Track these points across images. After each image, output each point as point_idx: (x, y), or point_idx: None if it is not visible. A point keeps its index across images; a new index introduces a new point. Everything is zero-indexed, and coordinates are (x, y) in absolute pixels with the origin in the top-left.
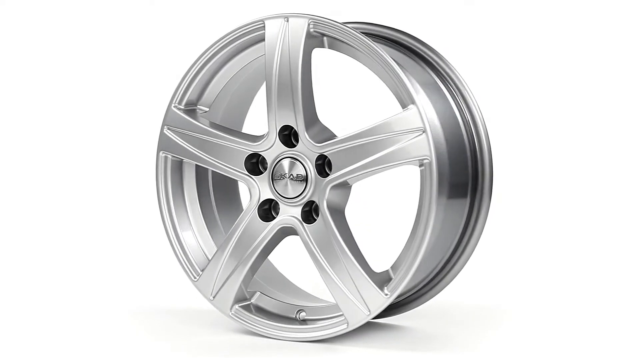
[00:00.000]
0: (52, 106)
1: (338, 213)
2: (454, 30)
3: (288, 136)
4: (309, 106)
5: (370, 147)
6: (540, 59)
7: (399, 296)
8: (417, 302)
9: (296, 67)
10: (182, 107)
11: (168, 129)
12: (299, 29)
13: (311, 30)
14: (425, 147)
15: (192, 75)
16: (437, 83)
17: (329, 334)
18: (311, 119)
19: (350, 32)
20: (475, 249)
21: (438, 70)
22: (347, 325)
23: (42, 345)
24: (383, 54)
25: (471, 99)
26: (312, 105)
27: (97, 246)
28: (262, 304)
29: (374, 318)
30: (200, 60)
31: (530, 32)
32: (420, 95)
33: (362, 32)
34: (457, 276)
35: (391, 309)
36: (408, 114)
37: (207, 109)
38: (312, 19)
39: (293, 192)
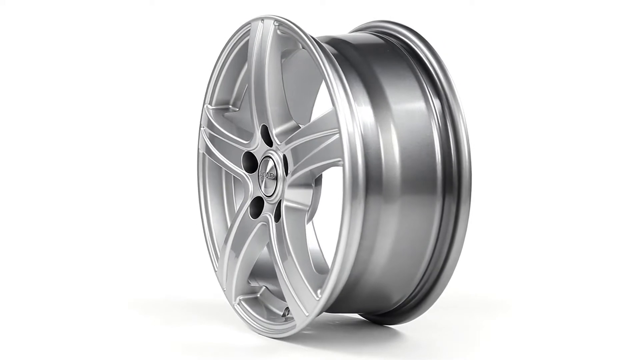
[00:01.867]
0: (70, 108)
1: (296, 212)
2: (459, 28)
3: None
4: (278, 105)
5: (305, 147)
6: (540, 59)
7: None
8: (416, 311)
9: (265, 66)
10: (213, 107)
11: (202, 127)
12: (268, 30)
13: (277, 31)
14: (338, 149)
15: (215, 76)
16: (417, 81)
17: (279, 331)
18: (281, 117)
19: (300, 33)
20: (463, 253)
21: (427, 67)
22: (296, 326)
23: (53, 334)
24: (317, 55)
25: (453, 99)
26: (282, 104)
27: (134, 239)
28: (264, 298)
29: (380, 323)
30: (218, 62)
31: (533, 32)
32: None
33: (365, 29)
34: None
35: (390, 317)
36: (328, 115)
37: (237, 109)
38: (277, 20)
39: (269, 190)
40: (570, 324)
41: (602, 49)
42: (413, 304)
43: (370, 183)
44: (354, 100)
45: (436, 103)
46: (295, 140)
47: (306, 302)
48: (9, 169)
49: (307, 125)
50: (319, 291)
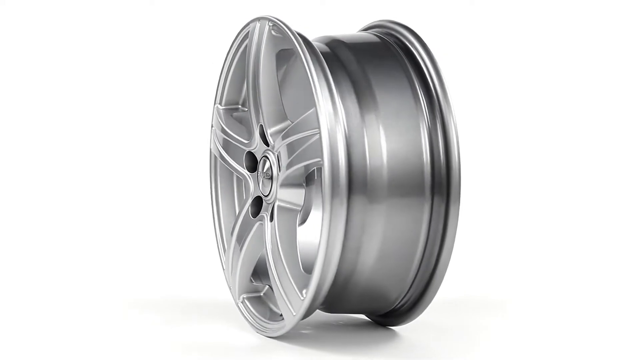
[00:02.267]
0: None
1: (288, 212)
2: (460, 29)
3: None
4: (272, 105)
5: (291, 147)
6: (538, 62)
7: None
8: (413, 313)
9: (259, 67)
10: (223, 107)
11: (213, 127)
12: (263, 31)
13: (272, 31)
14: (318, 149)
15: (223, 76)
16: (408, 82)
17: (272, 330)
18: (276, 117)
19: (288, 33)
20: (460, 254)
21: (421, 67)
22: (286, 326)
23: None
24: (302, 54)
25: (444, 100)
26: (277, 104)
27: (135, 238)
28: (267, 297)
29: (383, 325)
30: (226, 63)
31: (533, 34)
32: (346, 97)
33: (369, 29)
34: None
35: (389, 317)
36: (311, 114)
37: (246, 109)
38: (270, 20)
39: (266, 190)
40: (567, 323)
41: (600, 52)
42: (409, 305)
43: (354, 184)
44: (341, 100)
45: (427, 104)
46: (284, 139)
47: (293, 302)
48: (16, 169)
49: (293, 124)
50: (304, 291)
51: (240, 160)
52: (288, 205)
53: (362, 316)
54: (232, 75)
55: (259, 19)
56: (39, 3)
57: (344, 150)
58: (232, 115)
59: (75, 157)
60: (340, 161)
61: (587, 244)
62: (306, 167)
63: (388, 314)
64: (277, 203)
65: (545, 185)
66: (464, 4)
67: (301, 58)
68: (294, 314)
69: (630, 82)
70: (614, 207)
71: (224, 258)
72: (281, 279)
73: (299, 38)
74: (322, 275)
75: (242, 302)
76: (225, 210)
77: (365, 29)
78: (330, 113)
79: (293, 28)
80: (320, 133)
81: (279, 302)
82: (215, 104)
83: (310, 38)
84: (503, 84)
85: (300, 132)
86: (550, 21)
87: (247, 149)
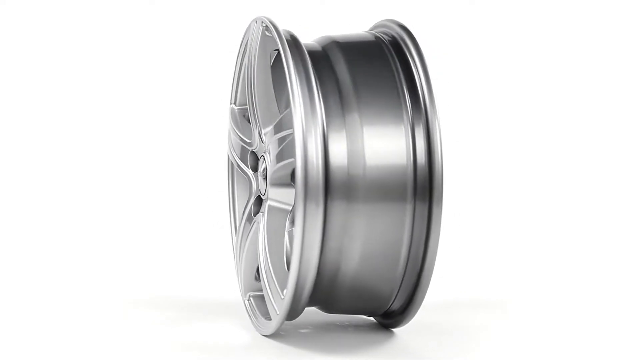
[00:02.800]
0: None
1: (278, 212)
2: (463, 30)
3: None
4: (266, 105)
5: (274, 146)
6: (538, 64)
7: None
8: (407, 314)
9: (254, 66)
10: (237, 107)
11: (229, 127)
12: (258, 31)
13: (266, 32)
14: (292, 149)
15: (235, 77)
16: (395, 83)
17: (264, 329)
18: (270, 117)
19: (274, 32)
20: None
21: (411, 69)
22: (274, 325)
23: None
24: (283, 54)
25: (430, 103)
26: (270, 104)
27: (135, 238)
28: None
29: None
30: (236, 64)
31: (535, 37)
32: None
33: (373, 29)
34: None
35: (387, 319)
36: (286, 115)
37: None
38: (263, 21)
39: (262, 189)
40: (567, 322)
41: (598, 56)
42: (402, 307)
43: (332, 184)
44: (323, 100)
45: (412, 104)
46: (270, 138)
47: (277, 301)
48: (21, 169)
49: (274, 123)
50: (285, 291)
51: (245, 160)
52: (278, 205)
53: (362, 316)
54: (243, 75)
55: (255, 19)
56: (46, 4)
57: (321, 150)
58: (244, 116)
59: (77, 156)
60: (314, 161)
61: (585, 243)
62: (285, 166)
63: (385, 315)
64: (267, 202)
65: (540, 185)
66: (465, 4)
67: (282, 56)
68: (277, 312)
69: (619, 87)
70: (611, 205)
71: (236, 254)
72: (267, 278)
73: (282, 37)
74: (301, 276)
75: (248, 300)
76: (241, 207)
77: (371, 29)
78: (308, 112)
79: (281, 28)
80: (294, 132)
81: (267, 300)
82: (230, 103)
83: (312, 39)
84: (501, 86)
85: (281, 131)
86: (550, 23)
87: (250, 149)
